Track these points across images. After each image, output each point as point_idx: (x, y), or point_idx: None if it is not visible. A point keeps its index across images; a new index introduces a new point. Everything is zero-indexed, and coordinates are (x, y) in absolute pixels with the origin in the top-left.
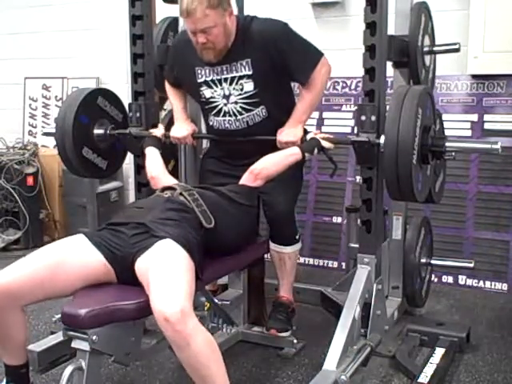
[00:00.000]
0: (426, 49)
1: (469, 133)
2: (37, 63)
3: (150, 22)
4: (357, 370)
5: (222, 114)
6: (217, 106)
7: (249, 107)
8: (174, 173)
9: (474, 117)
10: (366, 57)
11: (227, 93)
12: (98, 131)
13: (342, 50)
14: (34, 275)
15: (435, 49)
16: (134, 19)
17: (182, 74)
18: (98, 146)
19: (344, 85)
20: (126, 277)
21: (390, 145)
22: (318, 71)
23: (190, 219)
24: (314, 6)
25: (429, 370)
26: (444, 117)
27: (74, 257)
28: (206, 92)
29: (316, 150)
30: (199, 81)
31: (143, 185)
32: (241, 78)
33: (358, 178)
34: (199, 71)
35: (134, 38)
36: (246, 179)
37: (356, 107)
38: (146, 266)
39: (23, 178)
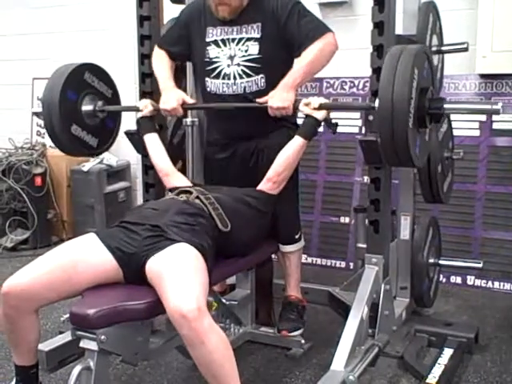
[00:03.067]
0: (434, 48)
1: (477, 132)
2: (45, 64)
3: (157, 22)
4: (365, 370)
5: (221, 76)
6: (218, 67)
7: (250, 72)
8: (183, 173)
9: (483, 116)
10: (374, 57)
11: (232, 53)
12: (86, 108)
13: (349, 49)
14: (48, 277)
15: (443, 48)
16: (141, 20)
17: (193, 34)
18: (88, 123)
19: (351, 84)
20: (133, 277)
21: (384, 108)
22: (323, 39)
23: (205, 224)
24: (321, 5)
25: (437, 371)
26: (452, 116)
27: (86, 257)
28: (212, 52)
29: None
30: (208, 40)
31: (151, 185)
32: (248, 39)
33: (366, 178)
34: (210, 30)
35: (142, 39)
36: (265, 187)
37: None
38: (158, 265)
39: (31, 178)
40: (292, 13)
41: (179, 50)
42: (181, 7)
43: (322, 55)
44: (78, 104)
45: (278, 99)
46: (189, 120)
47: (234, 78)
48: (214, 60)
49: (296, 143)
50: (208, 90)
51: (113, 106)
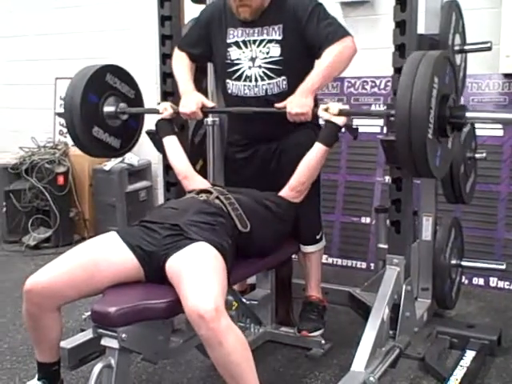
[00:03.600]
0: (456, 48)
1: (501, 132)
2: (67, 64)
3: (178, 22)
4: (385, 371)
5: (243, 78)
6: (240, 68)
7: (271, 74)
8: (203, 173)
9: None
10: (396, 56)
11: (254, 55)
12: (107, 109)
13: (371, 49)
14: (70, 275)
15: (466, 48)
16: (162, 20)
17: (213, 34)
18: (110, 124)
19: (373, 84)
20: (154, 276)
21: (401, 117)
22: (342, 42)
23: (225, 224)
24: (343, 5)
25: (459, 373)
26: None
27: (108, 256)
28: (234, 53)
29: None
30: (229, 41)
31: (172, 184)
32: (270, 41)
33: (387, 178)
34: (231, 32)
35: (163, 39)
36: (288, 195)
37: (385, 107)
38: (178, 264)
39: (54, 177)
40: (312, 15)
41: (200, 51)
42: (201, 7)
43: (341, 59)
44: (100, 106)
45: (297, 105)
46: (210, 120)
47: (256, 80)
48: (235, 62)
49: (317, 151)
50: (229, 91)
51: (134, 108)
